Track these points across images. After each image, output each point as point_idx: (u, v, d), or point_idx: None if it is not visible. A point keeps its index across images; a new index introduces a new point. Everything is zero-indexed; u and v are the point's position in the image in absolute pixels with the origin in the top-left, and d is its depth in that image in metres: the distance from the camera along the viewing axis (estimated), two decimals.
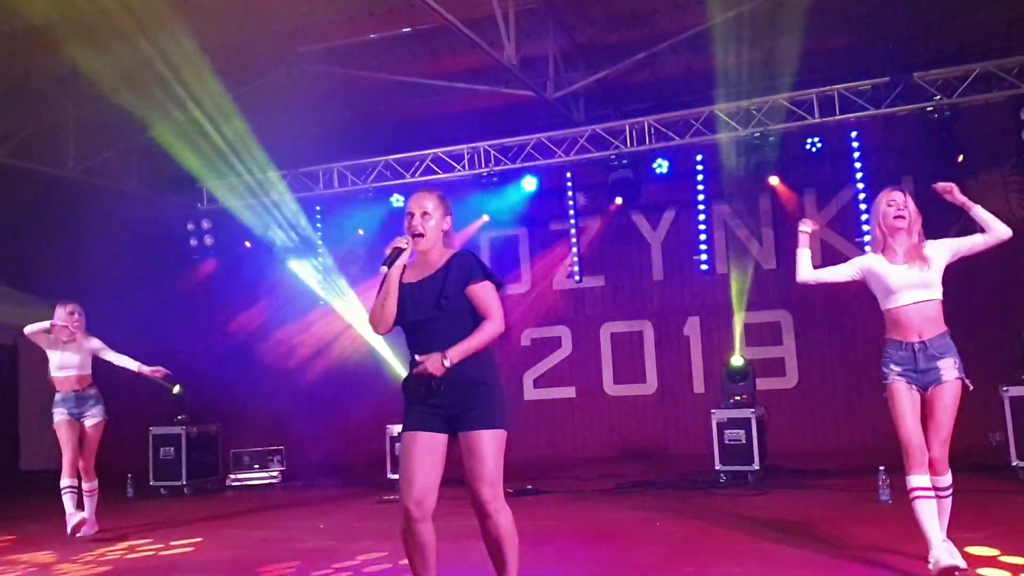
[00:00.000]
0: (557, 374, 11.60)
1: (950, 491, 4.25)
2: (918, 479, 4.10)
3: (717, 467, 8.12)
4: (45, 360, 6.96)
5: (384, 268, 3.50)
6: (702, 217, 10.02)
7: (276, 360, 12.17)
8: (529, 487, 8.16)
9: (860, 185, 9.02)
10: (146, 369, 6.91)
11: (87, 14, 7.28)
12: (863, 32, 8.93)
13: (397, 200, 10.26)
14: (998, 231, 4.19)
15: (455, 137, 10.19)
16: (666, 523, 6.14)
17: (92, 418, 6.85)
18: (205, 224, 10.98)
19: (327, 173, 10.60)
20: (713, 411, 8.30)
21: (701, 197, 9.88)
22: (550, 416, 11.50)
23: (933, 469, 4.16)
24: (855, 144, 8.95)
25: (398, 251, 3.54)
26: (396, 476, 3.58)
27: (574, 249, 10.77)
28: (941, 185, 4.31)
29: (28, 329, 6.81)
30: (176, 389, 9.95)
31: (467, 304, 3.52)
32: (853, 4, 8.46)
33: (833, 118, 8.71)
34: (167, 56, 7.98)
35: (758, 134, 8.86)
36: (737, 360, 8.74)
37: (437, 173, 10.09)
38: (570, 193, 10.57)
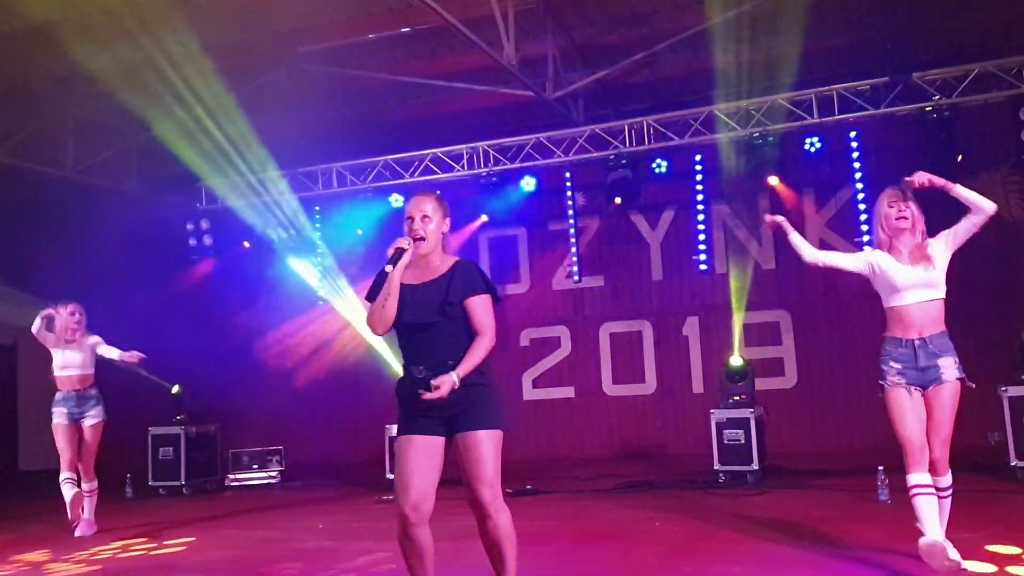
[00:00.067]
0: (556, 374, 11.60)
1: (950, 492, 4.25)
2: (918, 477, 4.10)
3: (716, 467, 8.12)
4: (44, 360, 6.98)
5: (389, 268, 3.50)
6: (701, 217, 10.03)
7: (275, 360, 12.18)
8: (528, 487, 8.16)
9: (859, 185, 9.03)
10: (126, 355, 6.92)
11: (86, 14, 7.29)
12: (862, 32, 8.94)
13: (396, 200, 10.26)
14: (982, 206, 4.12)
15: (454, 137, 10.20)
16: (665, 523, 6.14)
17: (92, 419, 6.89)
18: (204, 224, 10.97)
19: (326, 173, 10.60)
20: (712, 411, 8.30)
21: (700, 197, 9.90)
22: (549, 416, 11.50)
23: (934, 470, 4.17)
24: (854, 144, 8.96)
25: (401, 251, 3.54)
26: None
27: (573, 249, 10.77)
28: (911, 179, 4.21)
29: (33, 328, 6.95)
30: (175, 389, 9.97)
31: (465, 312, 3.53)
32: (852, 4, 8.46)
33: (832, 118, 8.71)
34: (167, 55, 7.98)
35: (757, 134, 8.87)
36: (736, 360, 8.74)
37: (436, 173, 10.09)
38: (569, 193, 10.57)
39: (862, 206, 8.92)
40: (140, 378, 7.03)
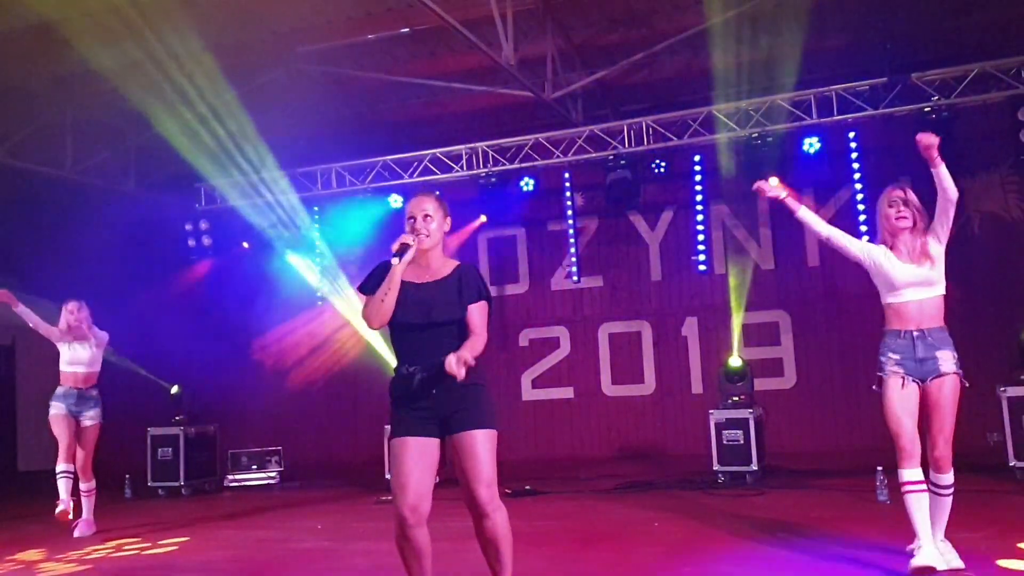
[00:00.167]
0: (555, 374, 11.60)
1: (951, 490, 4.24)
2: (910, 472, 4.10)
3: (715, 467, 8.12)
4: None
5: (396, 261, 3.51)
6: (700, 217, 10.02)
7: (274, 360, 12.16)
8: (527, 487, 8.16)
9: (858, 186, 9.02)
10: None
11: (85, 14, 7.29)
12: (861, 32, 8.94)
13: (395, 200, 10.25)
14: (951, 192, 4.16)
15: (453, 137, 10.19)
16: (664, 523, 6.14)
17: (89, 420, 6.90)
18: (203, 225, 10.96)
19: (325, 173, 10.59)
20: (711, 411, 8.30)
21: (699, 197, 9.88)
22: (548, 416, 11.50)
23: (935, 467, 4.18)
24: (853, 144, 8.95)
25: (406, 247, 3.54)
26: None
27: (572, 250, 10.77)
28: (921, 136, 4.12)
29: (43, 330, 6.96)
30: (174, 390, 9.97)
31: (464, 315, 3.56)
32: (851, 5, 8.46)
33: (831, 118, 8.71)
34: (167, 55, 7.98)
35: (756, 134, 8.86)
36: (735, 360, 8.74)
37: (435, 173, 10.08)
38: (568, 193, 10.56)
39: (861, 206, 8.92)
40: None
